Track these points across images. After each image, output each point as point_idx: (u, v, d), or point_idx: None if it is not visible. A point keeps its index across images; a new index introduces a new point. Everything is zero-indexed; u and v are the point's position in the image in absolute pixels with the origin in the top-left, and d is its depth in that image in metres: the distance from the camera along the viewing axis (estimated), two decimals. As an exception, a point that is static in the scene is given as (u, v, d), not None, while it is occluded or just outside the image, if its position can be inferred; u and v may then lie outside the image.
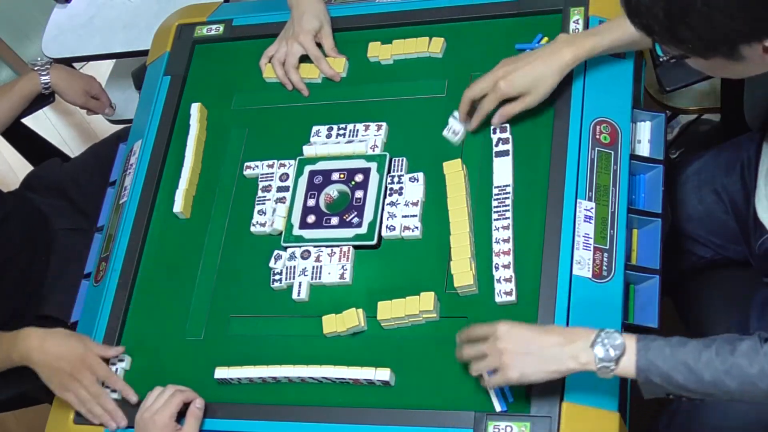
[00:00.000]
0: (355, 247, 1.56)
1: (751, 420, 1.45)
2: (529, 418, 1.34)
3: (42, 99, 2.08)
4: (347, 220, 1.57)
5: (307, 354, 1.51)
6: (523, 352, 1.28)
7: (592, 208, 1.47)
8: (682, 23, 1.07)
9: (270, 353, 1.52)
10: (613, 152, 1.51)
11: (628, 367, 1.23)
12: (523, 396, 1.36)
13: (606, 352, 1.23)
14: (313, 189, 1.63)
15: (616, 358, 1.23)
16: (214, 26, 1.90)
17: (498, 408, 1.36)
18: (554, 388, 1.34)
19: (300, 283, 1.55)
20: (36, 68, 2.04)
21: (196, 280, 1.64)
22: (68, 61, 2.35)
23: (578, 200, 1.47)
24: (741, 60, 1.10)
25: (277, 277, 1.58)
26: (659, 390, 1.25)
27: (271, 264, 1.59)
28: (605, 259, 1.43)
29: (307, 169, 1.65)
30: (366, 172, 1.61)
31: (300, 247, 1.58)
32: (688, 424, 1.51)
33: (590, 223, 1.45)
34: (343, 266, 1.54)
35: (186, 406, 1.48)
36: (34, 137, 2.33)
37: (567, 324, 1.39)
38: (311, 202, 1.61)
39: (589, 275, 1.42)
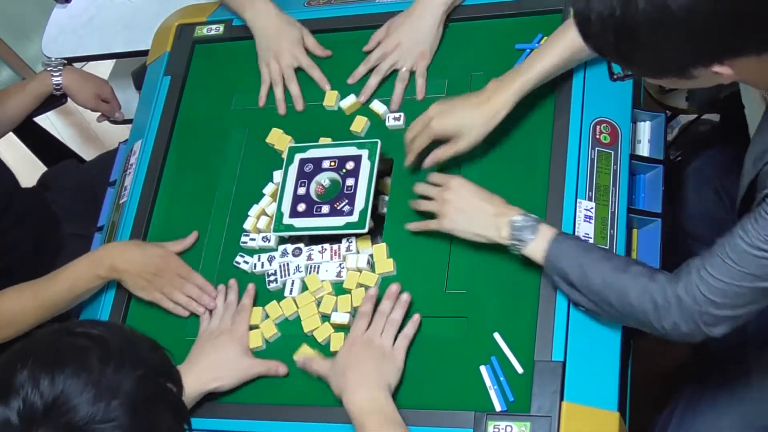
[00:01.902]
0: (346, 235, 1.56)
1: (745, 422, 1.45)
2: (529, 418, 1.34)
3: (54, 99, 2.09)
4: (338, 208, 1.56)
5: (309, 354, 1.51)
6: (462, 209, 1.44)
7: (592, 208, 1.47)
8: (632, 51, 1.09)
9: (270, 353, 1.52)
10: (613, 152, 1.51)
11: (535, 251, 1.37)
12: (523, 395, 1.36)
13: (520, 231, 1.38)
14: (304, 177, 1.62)
15: (526, 240, 1.37)
16: (214, 26, 1.90)
17: (498, 408, 1.36)
18: (554, 388, 1.34)
19: (293, 281, 1.55)
20: (49, 69, 2.04)
21: (196, 280, 1.64)
22: (68, 62, 2.35)
23: (578, 200, 1.47)
24: (693, 78, 1.12)
25: (272, 277, 1.58)
26: (556, 283, 1.37)
27: (259, 268, 1.59)
28: (605, 259, 1.43)
29: (298, 157, 1.64)
30: (357, 159, 1.60)
31: (292, 244, 1.58)
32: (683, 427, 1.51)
33: (590, 223, 1.45)
34: (340, 264, 1.54)
35: None
36: (47, 137, 2.34)
37: (567, 325, 1.39)
38: (302, 191, 1.60)
39: (589, 275, 1.41)
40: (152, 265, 1.59)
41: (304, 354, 1.48)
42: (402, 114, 1.65)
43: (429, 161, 1.55)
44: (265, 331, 1.53)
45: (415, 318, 1.46)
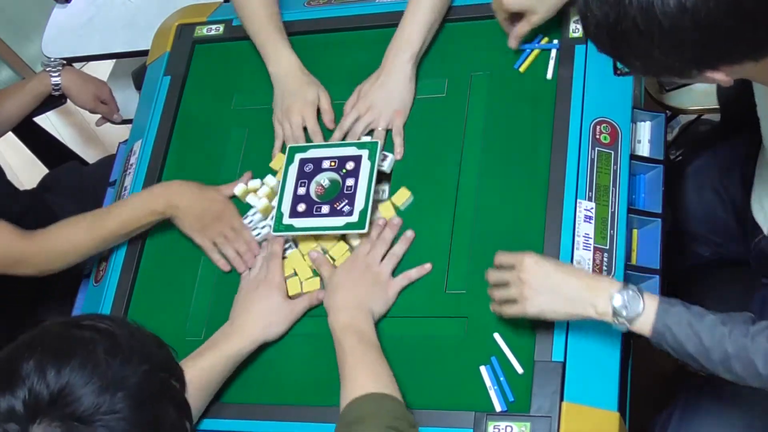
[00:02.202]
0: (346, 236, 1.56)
1: (746, 422, 1.45)
2: (529, 418, 1.34)
3: (53, 100, 2.09)
4: (338, 208, 1.56)
5: (307, 353, 1.51)
6: (545, 288, 1.29)
7: (592, 208, 1.47)
8: (626, 54, 1.12)
9: (269, 353, 1.53)
10: (613, 152, 1.51)
11: (643, 327, 1.24)
12: (523, 395, 1.36)
13: (625, 308, 1.24)
14: (304, 177, 1.62)
15: (633, 317, 1.24)
16: (214, 26, 1.90)
17: (498, 408, 1.36)
18: (554, 389, 1.34)
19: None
20: (48, 69, 2.04)
21: (196, 280, 1.64)
22: (68, 62, 2.35)
23: (578, 200, 1.47)
24: (690, 77, 1.14)
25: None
26: (667, 351, 1.26)
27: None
28: (605, 259, 1.43)
29: (298, 157, 1.64)
30: (357, 159, 1.60)
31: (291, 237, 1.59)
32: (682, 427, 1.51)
33: (590, 223, 1.45)
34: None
35: None
36: (47, 138, 2.34)
37: (567, 325, 1.39)
38: (302, 191, 1.60)
39: (589, 275, 1.41)
40: (212, 211, 1.61)
41: (318, 253, 1.55)
42: (389, 155, 1.63)
43: (513, 42, 1.61)
44: (301, 274, 1.56)
45: (427, 266, 1.50)
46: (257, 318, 1.51)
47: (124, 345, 0.94)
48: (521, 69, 1.61)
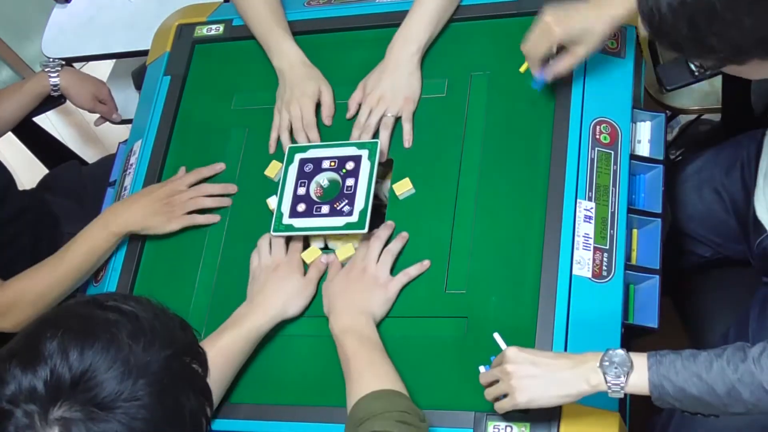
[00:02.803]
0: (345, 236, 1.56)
1: (746, 422, 1.45)
2: (529, 418, 1.33)
3: (53, 100, 2.09)
4: (338, 208, 1.56)
5: (308, 353, 1.51)
6: (532, 374, 1.25)
7: (592, 208, 1.47)
8: (709, 34, 1.06)
9: (270, 353, 1.53)
10: (613, 152, 1.51)
11: (640, 383, 1.21)
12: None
13: (614, 370, 1.21)
14: (304, 177, 1.62)
15: (625, 375, 1.20)
16: (214, 26, 1.90)
17: (498, 408, 1.36)
18: (554, 388, 1.34)
19: None
20: (46, 69, 2.04)
21: (197, 279, 1.64)
22: (68, 61, 2.35)
23: (578, 200, 1.47)
24: None
25: None
26: (673, 405, 1.22)
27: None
28: (605, 259, 1.43)
29: (298, 157, 1.64)
30: (357, 159, 1.60)
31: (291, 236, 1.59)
32: (683, 427, 1.51)
33: (590, 223, 1.45)
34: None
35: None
36: (47, 138, 2.34)
37: (567, 325, 1.39)
38: (301, 191, 1.60)
39: (589, 275, 1.42)
40: (157, 195, 1.62)
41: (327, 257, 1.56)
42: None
43: (551, 76, 1.51)
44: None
45: (425, 263, 1.51)
46: (277, 295, 1.51)
47: (147, 328, 0.93)
48: (521, 69, 1.61)
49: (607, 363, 1.21)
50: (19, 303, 1.62)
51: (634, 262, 1.46)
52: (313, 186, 1.60)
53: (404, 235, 1.54)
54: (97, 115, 2.20)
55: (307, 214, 1.57)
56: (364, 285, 1.49)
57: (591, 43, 1.46)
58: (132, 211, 1.63)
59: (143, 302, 0.97)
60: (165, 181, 1.68)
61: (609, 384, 1.21)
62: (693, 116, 2.22)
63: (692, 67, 1.16)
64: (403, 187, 1.58)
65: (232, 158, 1.74)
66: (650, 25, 1.10)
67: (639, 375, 1.21)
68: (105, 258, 1.66)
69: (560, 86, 1.57)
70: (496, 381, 1.30)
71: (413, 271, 1.51)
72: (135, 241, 1.69)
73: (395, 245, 1.53)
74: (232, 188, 1.65)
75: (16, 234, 1.88)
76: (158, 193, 1.64)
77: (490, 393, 1.32)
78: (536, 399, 1.26)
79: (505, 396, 1.29)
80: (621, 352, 1.21)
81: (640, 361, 1.21)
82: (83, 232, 1.65)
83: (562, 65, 1.50)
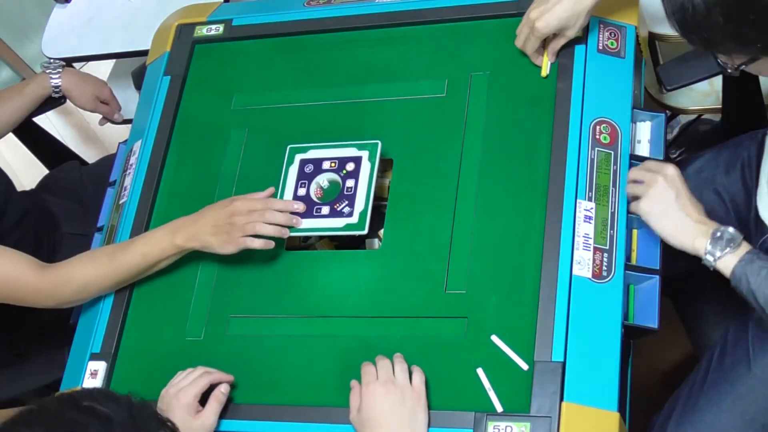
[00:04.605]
0: (346, 237, 1.56)
1: (745, 420, 1.45)
2: (529, 418, 1.34)
3: (53, 100, 2.09)
4: (338, 209, 1.56)
5: (308, 354, 1.51)
6: (669, 198, 1.37)
7: (592, 208, 1.47)
8: (745, 23, 1.04)
9: (270, 353, 1.53)
10: (613, 152, 1.51)
11: (725, 267, 1.32)
12: (523, 395, 1.36)
13: (720, 243, 1.32)
14: (304, 178, 1.62)
15: (722, 251, 1.31)
16: (214, 26, 1.90)
17: (498, 408, 1.36)
18: (554, 389, 1.34)
19: None
20: (47, 71, 2.04)
21: (196, 280, 1.64)
22: (68, 61, 2.35)
23: (578, 200, 1.47)
24: None
25: None
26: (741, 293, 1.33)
27: None
28: (605, 259, 1.43)
29: (298, 157, 1.64)
30: (357, 160, 1.60)
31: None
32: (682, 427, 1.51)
33: (590, 223, 1.45)
34: None
35: (212, 389, 1.47)
36: (47, 138, 2.34)
37: (567, 325, 1.39)
38: (302, 192, 1.60)
39: (589, 275, 1.42)
40: (223, 214, 1.53)
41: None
42: None
43: (553, 58, 1.59)
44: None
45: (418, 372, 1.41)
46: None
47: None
48: (543, 74, 1.60)
49: (718, 235, 1.32)
50: (65, 286, 1.60)
51: (634, 262, 1.46)
52: (313, 187, 1.60)
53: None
54: (100, 116, 2.20)
55: (308, 215, 1.57)
56: (398, 407, 1.35)
57: (578, 24, 1.53)
58: (199, 224, 1.55)
59: (123, 402, 0.97)
60: (233, 198, 1.57)
61: (707, 251, 1.32)
62: (693, 116, 2.22)
63: (726, 67, 1.15)
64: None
65: (232, 158, 1.74)
66: (681, 21, 1.09)
67: (731, 260, 1.31)
68: (159, 267, 1.60)
69: (560, 86, 1.57)
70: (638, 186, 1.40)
71: (421, 374, 1.40)
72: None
73: (398, 354, 1.42)
74: (296, 221, 1.56)
75: (19, 239, 1.88)
76: (224, 211, 1.54)
77: (630, 188, 1.44)
78: (654, 218, 1.38)
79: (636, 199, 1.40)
80: (734, 232, 1.32)
81: (741, 250, 1.32)
82: (147, 234, 1.60)
83: (554, 45, 1.58)
